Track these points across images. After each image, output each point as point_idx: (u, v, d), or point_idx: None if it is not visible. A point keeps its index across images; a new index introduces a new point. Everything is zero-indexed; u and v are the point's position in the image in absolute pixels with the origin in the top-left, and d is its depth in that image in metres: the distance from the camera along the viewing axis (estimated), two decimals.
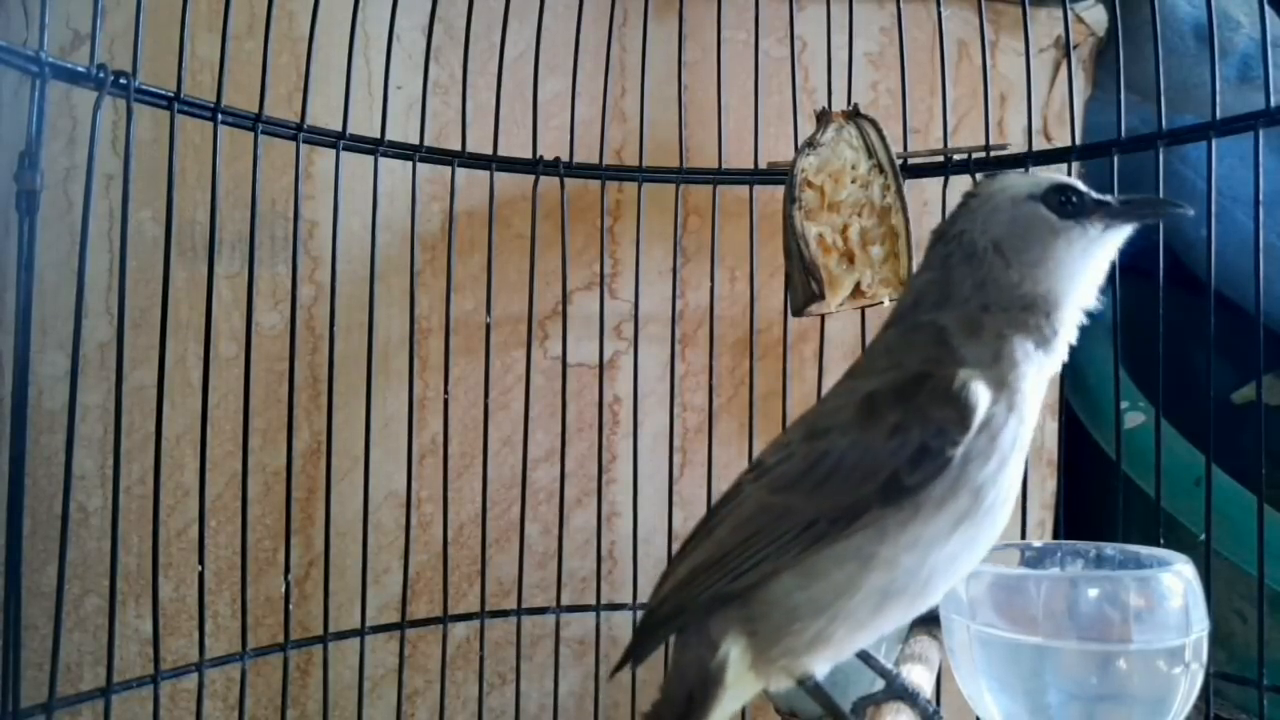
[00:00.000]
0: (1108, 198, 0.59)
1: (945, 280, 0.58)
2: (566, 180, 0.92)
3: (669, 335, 0.94)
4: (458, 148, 0.89)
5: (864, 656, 0.60)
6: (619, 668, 0.59)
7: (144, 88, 0.70)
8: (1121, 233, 0.59)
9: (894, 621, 0.54)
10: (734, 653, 0.54)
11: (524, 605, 0.91)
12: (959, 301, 0.57)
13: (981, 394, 0.52)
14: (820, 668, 0.54)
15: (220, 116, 0.75)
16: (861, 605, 0.52)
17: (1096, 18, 1.05)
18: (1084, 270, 0.58)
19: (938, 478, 0.51)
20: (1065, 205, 0.58)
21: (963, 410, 0.51)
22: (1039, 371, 0.56)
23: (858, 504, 0.51)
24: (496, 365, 0.97)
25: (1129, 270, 0.80)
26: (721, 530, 0.56)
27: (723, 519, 0.57)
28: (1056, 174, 0.61)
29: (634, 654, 0.58)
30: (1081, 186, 0.59)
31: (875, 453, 0.52)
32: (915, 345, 0.57)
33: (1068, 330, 0.58)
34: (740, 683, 0.55)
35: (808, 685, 0.55)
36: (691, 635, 0.56)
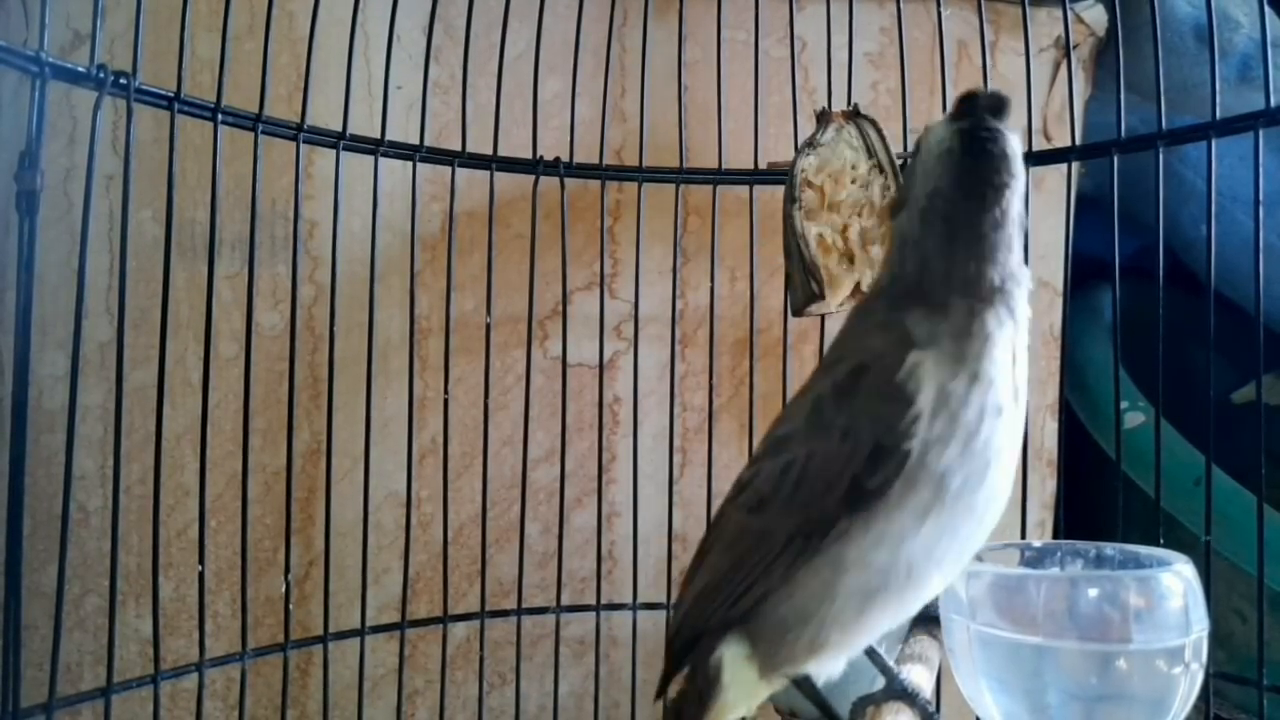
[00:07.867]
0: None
1: (896, 254, 0.55)
2: (566, 180, 0.92)
3: (669, 335, 0.94)
4: (458, 148, 0.89)
5: (870, 653, 0.60)
6: (659, 696, 0.59)
7: (144, 88, 0.70)
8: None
9: (889, 618, 0.53)
10: (736, 660, 0.54)
11: (524, 605, 0.91)
12: (911, 274, 0.53)
13: (928, 376, 0.49)
14: (823, 668, 0.54)
15: (220, 117, 0.75)
16: (844, 609, 0.50)
17: (1096, 18, 1.05)
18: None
19: (900, 474, 0.48)
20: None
21: (908, 399, 0.49)
22: (1011, 340, 0.51)
23: (827, 515, 0.50)
24: (496, 365, 0.97)
25: (1129, 270, 0.80)
26: (712, 556, 0.56)
27: (712, 544, 0.57)
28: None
29: (664, 679, 0.59)
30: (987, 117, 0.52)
31: (832, 459, 0.50)
32: (858, 333, 0.55)
33: (1024, 290, 0.53)
34: (742, 683, 0.55)
35: (803, 685, 0.55)
36: (704, 645, 0.56)
